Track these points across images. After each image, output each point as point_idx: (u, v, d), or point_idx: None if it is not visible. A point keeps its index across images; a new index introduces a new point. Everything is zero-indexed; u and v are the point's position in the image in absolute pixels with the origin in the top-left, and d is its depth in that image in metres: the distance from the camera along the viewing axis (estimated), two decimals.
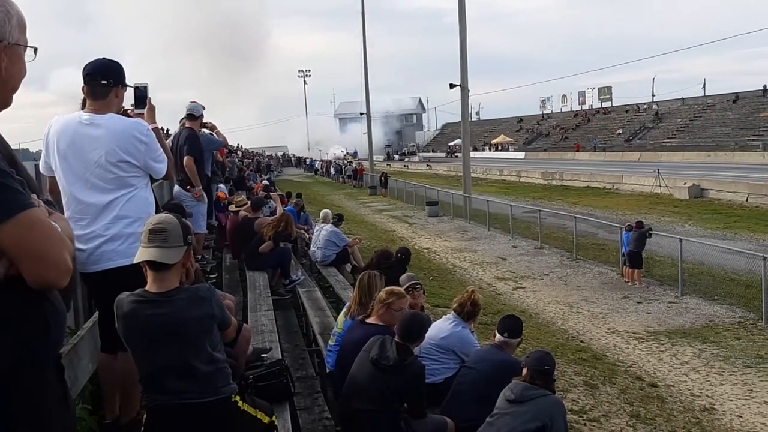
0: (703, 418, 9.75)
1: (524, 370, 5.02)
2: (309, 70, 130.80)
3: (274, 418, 3.92)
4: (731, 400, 10.41)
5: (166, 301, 3.44)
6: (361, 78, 66.45)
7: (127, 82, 4.43)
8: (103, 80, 4.20)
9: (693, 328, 14.37)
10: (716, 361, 12.16)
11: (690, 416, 9.79)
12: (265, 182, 24.73)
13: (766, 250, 19.59)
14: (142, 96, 4.84)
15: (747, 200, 33.46)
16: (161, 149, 4.43)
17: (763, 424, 9.50)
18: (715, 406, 10.22)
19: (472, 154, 45.17)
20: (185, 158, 8.21)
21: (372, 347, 5.13)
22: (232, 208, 12.90)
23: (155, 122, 4.87)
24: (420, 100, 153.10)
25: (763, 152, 56.08)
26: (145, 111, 4.81)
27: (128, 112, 4.75)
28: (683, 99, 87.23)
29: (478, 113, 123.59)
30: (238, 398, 3.65)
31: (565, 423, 5.02)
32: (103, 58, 4.33)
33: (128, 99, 4.68)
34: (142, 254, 3.46)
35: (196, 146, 8.37)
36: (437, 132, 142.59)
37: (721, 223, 28.75)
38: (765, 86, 74.83)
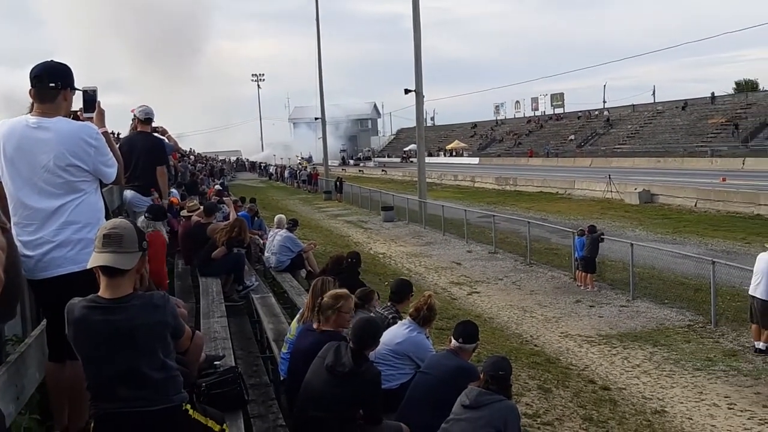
0: (655, 421, 9.88)
1: (481, 375, 5.04)
2: (263, 74, 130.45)
3: (225, 426, 3.85)
4: (682, 403, 10.57)
5: (119, 307, 3.36)
6: (316, 82, 66.45)
7: (76, 85, 4.33)
8: (50, 83, 4.10)
9: (644, 331, 14.57)
10: (667, 364, 12.35)
11: (642, 419, 9.92)
12: (218, 187, 24.47)
13: (714, 254, 20.02)
14: (91, 99, 4.73)
15: (695, 205, 34.18)
16: (111, 153, 4.34)
17: (712, 426, 9.66)
18: (666, 409, 10.36)
19: (427, 160, 45.43)
20: (159, 168, 8.07)
21: (327, 354, 5.09)
22: (184, 213, 12.72)
23: (105, 126, 4.76)
24: (375, 105, 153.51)
25: (711, 158, 57.42)
26: (94, 115, 4.71)
27: (77, 115, 4.64)
28: (634, 105, 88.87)
29: (433, 119, 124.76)
30: (188, 406, 3.58)
31: (519, 428, 5.03)
32: (51, 61, 4.23)
33: (77, 103, 4.58)
34: (95, 259, 3.38)
35: (164, 155, 8.24)
36: (392, 137, 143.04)
37: (670, 227, 29.29)
38: (713, 93, 76.71)
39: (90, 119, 4.61)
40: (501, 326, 15.30)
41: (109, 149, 4.31)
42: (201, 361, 5.08)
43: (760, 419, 9.82)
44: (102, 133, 4.39)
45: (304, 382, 5.19)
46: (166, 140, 9.35)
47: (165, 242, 7.45)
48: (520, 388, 10.16)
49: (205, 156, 67.89)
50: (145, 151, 7.91)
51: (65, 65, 4.26)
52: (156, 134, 8.36)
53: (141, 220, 6.62)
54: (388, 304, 7.34)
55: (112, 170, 4.31)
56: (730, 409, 10.25)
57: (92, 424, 3.48)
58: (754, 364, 12.11)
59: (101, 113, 4.80)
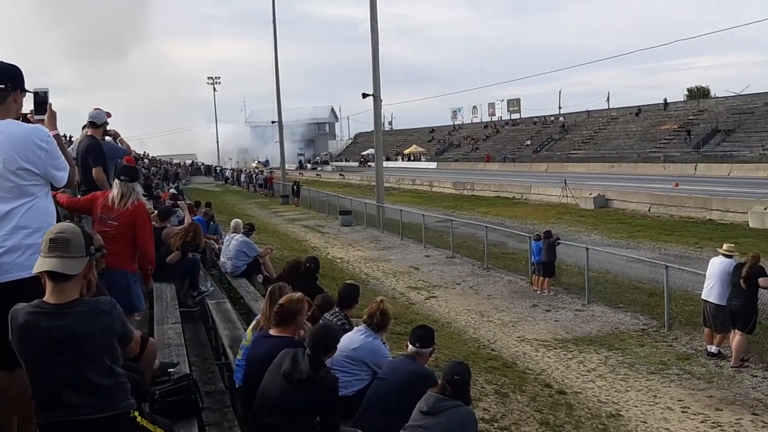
0: (610, 424, 9.95)
1: (440, 381, 5.02)
2: (218, 77, 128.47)
3: None
4: (636, 406, 10.66)
5: (65, 313, 3.29)
6: (273, 85, 66.10)
7: (26, 87, 4.22)
8: (0, 84, 4.00)
9: (599, 335, 14.71)
10: (622, 367, 12.46)
11: (597, 422, 9.98)
12: (172, 191, 24.21)
13: (667, 258, 20.29)
14: (42, 101, 4.64)
15: (649, 210, 34.71)
16: (63, 157, 4.24)
17: (666, 429, 9.76)
18: (621, 412, 10.44)
19: (385, 164, 45.48)
20: (95, 169, 7.87)
21: (283, 360, 5.03)
22: None
23: (56, 128, 4.67)
24: (333, 109, 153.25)
25: (664, 164, 58.51)
26: (45, 117, 4.60)
27: (28, 117, 4.52)
28: (588, 111, 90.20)
29: (390, 123, 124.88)
30: (137, 413, 3.52)
31: None
32: (0, 62, 4.12)
33: (27, 105, 4.47)
34: (41, 264, 3.31)
35: (100, 156, 8.04)
36: (350, 141, 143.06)
37: (625, 232, 29.67)
38: (665, 100, 78.15)
39: (41, 121, 4.52)
40: (458, 331, 15.32)
41: (60, 153, 4.22)
42: (155, 369, 4.99)
43: (713, 422, 9.95)
44: (53, 135, 4.29)
45: (260, 389, 5.12)
46: (118, 143, 9.16)
47: (149, 214, 7.19)
48: (477, 393, 10.16)
49: (160, 159, 67.20)
50: (81, 154, 7.72)
51: (15, 66, 4.16)
52: (92, 136, 8.11)
53: (116, 185, 6.39)
54: (336, 310, 7.29)
55: (63, 174, 4.21)
56: (684, 412, 10.38)
57: None
58: (706, 368, 12.28)
59: (53, 115, 4.71)
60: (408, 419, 5.01)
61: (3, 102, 4.02)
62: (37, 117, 4.60)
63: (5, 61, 4.16)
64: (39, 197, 4.09)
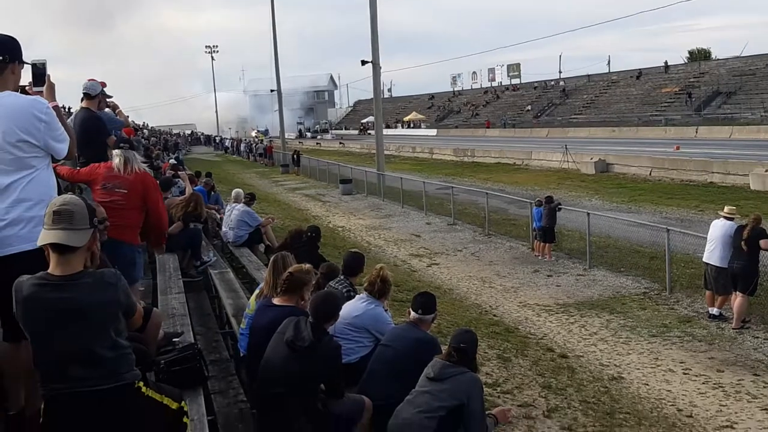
0: (612, 387, 10.02)
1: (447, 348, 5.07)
2: (216, 46, 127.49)
3: (183, 403, 3.80)
4: (638, 369, 10.72)
5: (70, 284, 3.30)
6: (271, 54, 65.62)
7: (24, 58, 4.21)
8: None
9: (601, 299, 14.76)
10: (623, 331, 12.52)
11: (599, 385, 10.04)
12: (172, 161, 24.15)
13: (669, 222, 20.33)
14: (40, 73, 4.63)
15: (650, 174, 34.65)
16: (62, 128, 4.23)
17: (668, 391, 9.82)
18: (623, 375, 10.50)
19: (385, 132, 45.34)
20: (109, 138, 7.85)
21: (286, 329, 5.06)
22: None
23: (55, 100, 4.64)
24: (332, 77, 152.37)
25: (665, 127, 58.29)
26: (44, 89, 4.58)
27: (27, 89, 4.50)
28: (589, 76, 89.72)
29: (390, 90, 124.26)
30: (141, 384, 3.54)
31: (481, 400, 5.06)
32: None
33: (25, 77, 4.46)
34: (45, 237, 3.31)
35: (104, 127, 7.99)
36: (349, 109, 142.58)
37: (626, 196, 29.65)
38: (666, 63, 77.63)
39: (40, 93, 4.50)
40: (460, 297, 15.38)
41: (60, 124, 4.21)
42: (159, 339, 5.03)
43: (714, 383, 10.02)
44: (52, 107, 4.27)
45: (264, 357, 5.15)
46: (116, 116, 9.11)
47: (156, 182, 7.14)
48: (480, 358, 10.20)
49: (159, 130, 67.00)
50: (77, 127, 7.68)
51: (12, 38, 4.14)
52: (87, 108, 8.05)
53: (117, 154, 6.36)
54: (341, 277, 7.32)
55: (63, 145, 4.20)
56: (685, 374, 10.44)
57: (43, 405, 3.41)
58: (708, 330, 12.34)
59: (51, 87, 4.68)
60: (411, 385, 5.05)
61: (0, 74, 4.00)
62: (35, 89, 4.58)
63: (1, 32, 4.13)
64: (40, 169, 4.09)
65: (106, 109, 8.60)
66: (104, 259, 4.40)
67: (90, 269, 3.46)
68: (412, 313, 5.75)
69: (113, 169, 6.27)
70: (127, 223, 6.17)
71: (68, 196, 3.54)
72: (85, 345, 3.30)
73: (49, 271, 3.33)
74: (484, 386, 5.89)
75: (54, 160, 4.37)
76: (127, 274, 4.40)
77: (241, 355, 6.11)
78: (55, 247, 3.30)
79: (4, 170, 3.94)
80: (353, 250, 8.66)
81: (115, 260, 5.04)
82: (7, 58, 4.01)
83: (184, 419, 3.79)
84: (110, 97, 8.59)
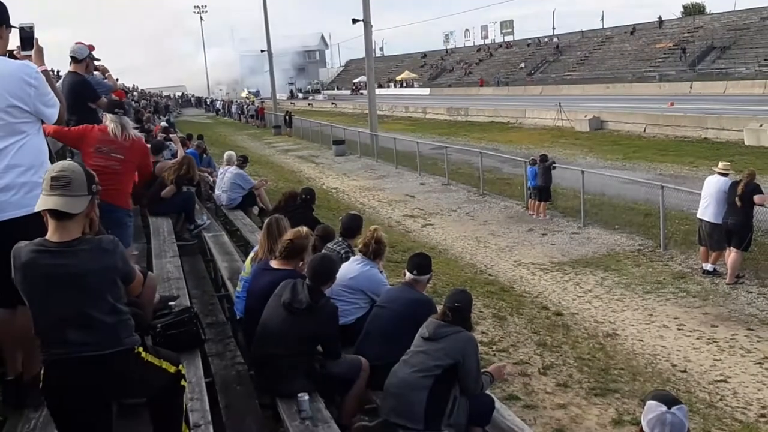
0: (607, 344, 10.10)
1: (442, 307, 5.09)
2: (205, 6, 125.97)
3: (180, 367, 3.81)
4: (632, 325, 10.80)
5: (68, 251, 3.28)
6: (261, 12, 64.81)
7: (12, 22, 4.15)
8: None
9: (595, 257, 14.81)
10: (618, 288, 12.58)
11: (594, 342, 10.13)
12: (164, 124, 23.99)
13: (663, 179, 20.29)
14: (28, 37, 4.57)
15: (644, 131, 34.57)
16: (52, 93, 4.19)
17: (662, 347, 9.90)
18: (617, 332, 10.58)
19: (378, 91, 45.09)
20: (99, 101, 7.77)
21: (283, 291, 5.09)
22: None
23: (44, 64, 4.57)
24: (323, 36, 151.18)
25: (659, 83, 58.07)
26: (32, 53, 4.52)
27: (15, 54, 4.43)
28: (582, 32, 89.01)
29: (382, 49, 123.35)
30: (141, 349, 3.54)
31: (477, 358, 5.09)
32: None
33: (13, 41, 4.39)
34: (43, 202, 3.28)
35: (93, 90, 7.90)
36: (341, 69, 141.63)
37: (620, 154, 29.61)
38: (660, 17, 77.04)
39: (28, 57, 4.44)
40: (455, 257, 15.42)
41: (49, 89, 4.16)
42: (155, 303, 5.02)
43: (708, 338, 10.10)
44: (42, 71, 4.23)
45: (261, 319, 5.19)
46: (106, 79, 8.99)
47: (147, 148, 7.25)
48: (476, 317, 10.26)
49: (149, 92, 66.40)
50: (65, 91, 7.57)
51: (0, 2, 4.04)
52: (75, 72, 7.94)
53: (111, 119, 6.26)
54: (340, 239, 7.32)
55: (53, 110, 4.17)
56: (680, 329, 10.52)
57: (42, 370, 3.41)
58: (702, 286, 12.41)
59: (39, 51, 4.62)
60: (407, 345, 5.08)
61: None
62: (23, 53, 4.53)
63: None
64: (30, 135, 4.05)
65: (95, 73, 8.49)
66: (101, 228, 4.37)
67: (88, 236, 3.44)
68: (408, 274, 5.75)
69: (109, 133, 6.18)
70: (121, 189, 6.17)
71: (67, 162, 3.51)
72: (83, 310, 3.30)
73: (47, 237, 3.32)
74: (479, 345, 5.92)
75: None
76: (120, 239, 4.37)
77: (238, 317, 6.12)
78: (53, 213, 3.28)
79: None
80: (352, 212, 8.66)
81: (109, 225, 5.01)
82: None
83: (182, 382, 3.81)
84: (98, 60, 8.48)
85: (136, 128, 7.38)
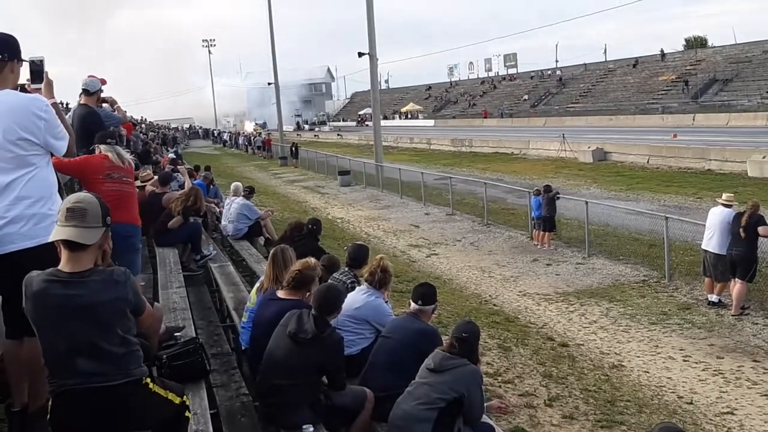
0: (613, 375, 10.06)
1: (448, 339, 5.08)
2: (213, 40, 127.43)
3: (185, 398, 3.82)
4: (638, 357, 10.77)
5: (80, 282, 3.31)
6: (269, 46, 65.42)
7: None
8: None
9: (600, 287, 14.79)
10: (623, 319, 12.56)
11: (600, 374, 10.09)
12: (171, 156, 24.13)
13: (667, 209, 20.35)
14: (38, 70, 4.63)
15: (648, 162, 34.62)
16: (62, 125, 4.24)
17: (668, 378, 9.86)
18: (623, 363, 10.55)
19: (383, 123, 45.22)
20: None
21: (289, 321, 5.08)
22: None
23: (53, 97, 4.64)
24: (329, 69, 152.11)
25: (662, 115, 58.23)
26: (42, 86, 4.58)
27: (26, 87, 4.51)
28: (585, 64, 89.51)
29: (387, 81, 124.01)
30: (149, 380, 3.55)
31: (481, 392, 5.06)
32: None
33: (23, 73, 4.45)
34: (57, 233, 3.32)
35: (101, 124, 7.98)
36: (347, 101, 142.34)
37: (624, 185, 29.64)
38: (662, 50, 77.43)
39: (38, 90, 4.50)
40: (460, 287, 15.41)
41: (59, 121, 4.22)
42: (161, 333, 5.03)
43: (714, 370, 10.06)
44: (51, 104, 4.28)
45: (267, 350, 5.18)
46: (115, 112, 9.09)
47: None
48: (481, 348, 10.17)
49: (157, 124, 66.82)
50: (75, 123, 7.67)
51: (11, 36, 4.15)
52: (85, 105, 8.04)
53: (107, 149, 6.40)
54: (346, 269, 7.32)
55: (62, 143, 4.22)
56: (685, 361, 10.48)
57: (50, 401, 3.43)
58: (707, 317, 12.38)
59: (49, 84, 4.69)
60: (412, 376, 5.06)
61: (0, 72, 4.00)
62: (33, 86, 4.58)
63: (1, 31, 4.14)
64: (40, 167, 4.10)
65: (104, 105, 8.58)
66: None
67: (100, 267, 3.47)
68: (413, 304, 5.75)
69: (112, 161, 6.28)
70: (135, 210, 6.44)
71: (82, 194, 3.55)
72: (93, 341, 3.32)
73: (59, 267, 3.34)
74: (485, 376, 5.92)
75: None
76: (134, 263, 4.57)
77: (243, 348, 6.12)
78: (67, 243, 3.31)
79: (5, 168, 3.95)
80: (358, 242, 8.67)
81: (128, 248, 5.67)
82: (6, 56, 4.02)
83: (187, 413, 3.81)
84: (101, 91, 8.55)
85: (144, 162, 7.65)
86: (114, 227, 3.56)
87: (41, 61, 4.64)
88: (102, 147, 6.50)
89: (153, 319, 4.39)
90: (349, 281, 6.99)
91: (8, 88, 4.05)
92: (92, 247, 3.37)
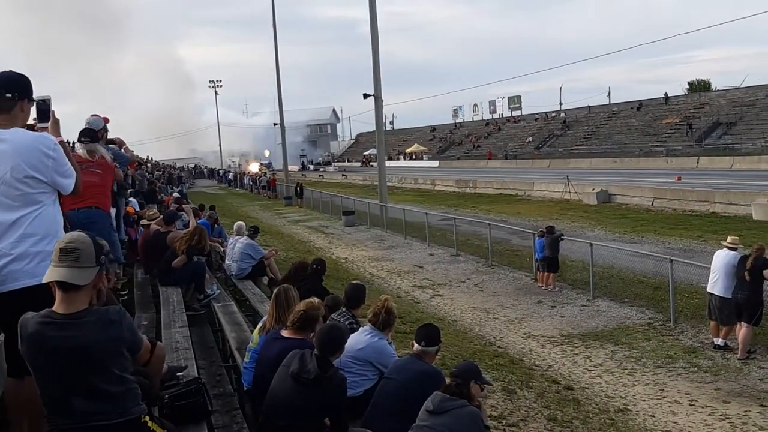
0: (618, 419, 9.96)
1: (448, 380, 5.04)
2: (220, 81, 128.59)
3: None
4: (644, 400, 10.68)
5: (74, 323, 3.30)
6: (274, 87, 66.10)
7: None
8: (7, 93, 4.05)
9: (605, 330, 14.71)
10: (628, 362, 12.47)
11: (605, 417, 9.99)
12: (176, 195, 24.26)
13: (672, 252, 20.31)
14: (45, 109, 4.66)
15: (652, 204, 34.65)
16: (69, 164, 4.27)
17: (675, 423, 9.77)
18: (628, 407, 10.45)
19: (387, 163, 45.47)
20: None
21: (292, 361, 5.05)
22: (143, 222, 12.57)
23: (60, 135, 4.68)
24: (334, 110, 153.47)
25: (666, 158, 58.38)
26: (49, 124, 4.63)
27: (34, 126, 4.56)
28: (589, 107, 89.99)
29: (392, 122, 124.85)
30: (147, 419, 3.53)
31: None
32: (9, 71, 4.17)
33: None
34: (51, 274, 3.32)
35: None
36: (352, 141, 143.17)
37: (628, 227, 29.61)
38: (666, 94, 78.02)
39: (45, 129, 4.54)
40: (464, 328, 15.33)
41: (66, 160, 4.25)
42: (163, 373, 5.00)
43: (720, 414, 9.96)
44: (58, 143, 4.31)
45: (269, 390, 5.15)
46: (123, 151, 9.17)
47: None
48: (485, 390, 10.16)
49: (163, 163, 67.22)
50: None
51: (23, 76, 4.20)
52: (110, 146, 8.21)
53: (79, 147, 7.31)
54: (343, 310, 7.31)
55: (69, 181, 4.25)
56: (692, 405, 10.39)
57: None
58: (713, 361, 12.29)
59: (56, 122, 4.73)
60: (415, 418, 5.02)
61: (10, 111, 4.05)
62: (40, 125, 4.63)
63: (13, 70, 4.20)
64: (46, 205, 4.12)
65: (111, 145, 8.66)
66: (111, 296, 4.43)
67: (95, 306, 3.47)
68: (416, 345, 5.74)
69: (80, 156, 6.99)
70: (107, 197, 7.45)
71: (76, 234, 3.55)
72: (90, 381, 3.31)
73: (54, 308, 3.34)
74: (489, 419, 5.86)
75: (61, 196, 4.40)
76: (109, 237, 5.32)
77: (245, 389, 6.09)
78: (61, 284, 3.31)
79: (11, 206, 3.97)
80: (355, 281, 8.66)
81: (102, 226, 6.49)
82: (17, 96, 4.07)
83: None
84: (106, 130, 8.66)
85: (149, 201, 8.16)
86: (77, 213, 3.61)
87: (48, 100, 4.69)
88: (77, 144, 7.36)
89: (155, 359, 4.38)
90: (347, 322, 6.97)
91: (17, 126, 4.09)
92: (86, 287, 3.36)
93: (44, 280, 3.36)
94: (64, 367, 3.28)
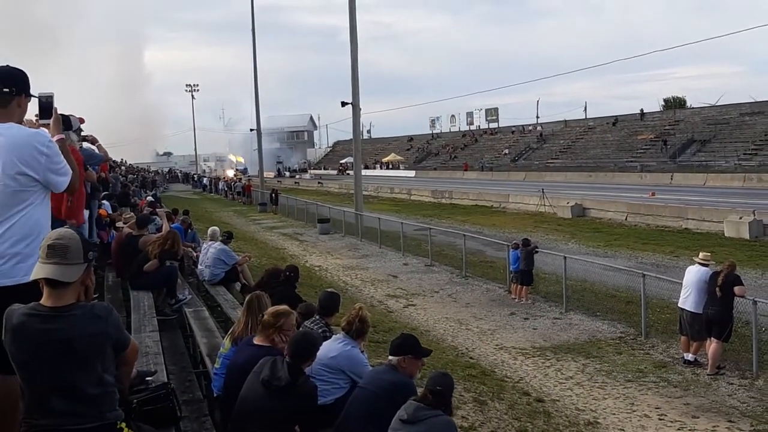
0: None
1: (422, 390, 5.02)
2: (197, 85, 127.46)
3: None
4: (614, 414, 10.71)
5: (60, 316, 3.28)
6: (252, 93, 65.92)
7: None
8: (5, 88, 3.99)
9: (577, 343, 14.76)
10: (599, 375, 12.52)
11: (575, 430, 10.02)
12: (150, 198, 24.06)
13: (644, 267, 20.44)
14: (47, 106, 4.61)
15: (626, 219, 34.93)
16: (64, 161, 4.18)
17: None
18: (598, 420, 10.48)
19: (364, 172, 45.44)
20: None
21: (263, 368, 5.01)
22: (119, 224, 12.45)
23: (62, 133, 4.60)
24: (311, 117, 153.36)
25: (641, 173, 59.02)
26: (51, 121, 4.57)
27: (35, 122, 4.50)
28: (566, 121, 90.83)
29: (369, 131, 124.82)
30: (123, 425, 3.49)
31: None
32: (7, 66, 4.13)
33: (32, 109, 4.48)
34: (39, 270, 3.30)
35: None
36: (329, 149, 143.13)
37: (602, 241, 29.78)
38: (642, 110, 78.88)
39: (46, 126, 4.49)
40: (437, 339, 15.31)
41: (62, 157, 4.17)
42: (132, 377, 4.93)
43: (689, 429, 10.02)
44: (58, 140, 4.27)
45: (239, 397, 5.10)
46: (96, 149, 9.07)
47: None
48: (456, 401, 10.13)
49: (137, 167, 66.80)
50: None
51: (21, 71, 4.15)
52: (84, 144, 8.09)
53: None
54: (317, 317, 7.27)
55: (63, 179, 4.15)
56: (661, 419, 10.44)
57: None
58: (683, 376, 12.37)
59: (58, 120, 4.66)
60: (387, 428, 4.99)
61: (6, 106, 4.00)
62: (42, 122, 4.59)
63: (11, 65, 4.16)
64: (34, 204, 4.03)
65: (85, 144, 8.56)
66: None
67: (82, 302, 3.43)
68: (390, 356, 5.71)
69: None
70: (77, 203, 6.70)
71: (63, 230, 3.52)
72: (70, 378, 3.28)
73: (41, 302, 3.32)
74: (459, 429, 5.84)
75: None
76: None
77: (215, 395, 6.02)
78: (48, 281, 3.29)
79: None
80: (329, 289, 8.63)
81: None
82: (14, 91, 4.02)
83: None
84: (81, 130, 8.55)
85: (122, 204, 7.74)
86: None
87: (50, 97, 4.64)
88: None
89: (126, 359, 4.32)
90: (320, 330, 6.93)
91: (13, 122, 4.03)
92: (74, 283, 3.34)
93: (32, 277, 3.33)
94: (47, 360, 3.25)
